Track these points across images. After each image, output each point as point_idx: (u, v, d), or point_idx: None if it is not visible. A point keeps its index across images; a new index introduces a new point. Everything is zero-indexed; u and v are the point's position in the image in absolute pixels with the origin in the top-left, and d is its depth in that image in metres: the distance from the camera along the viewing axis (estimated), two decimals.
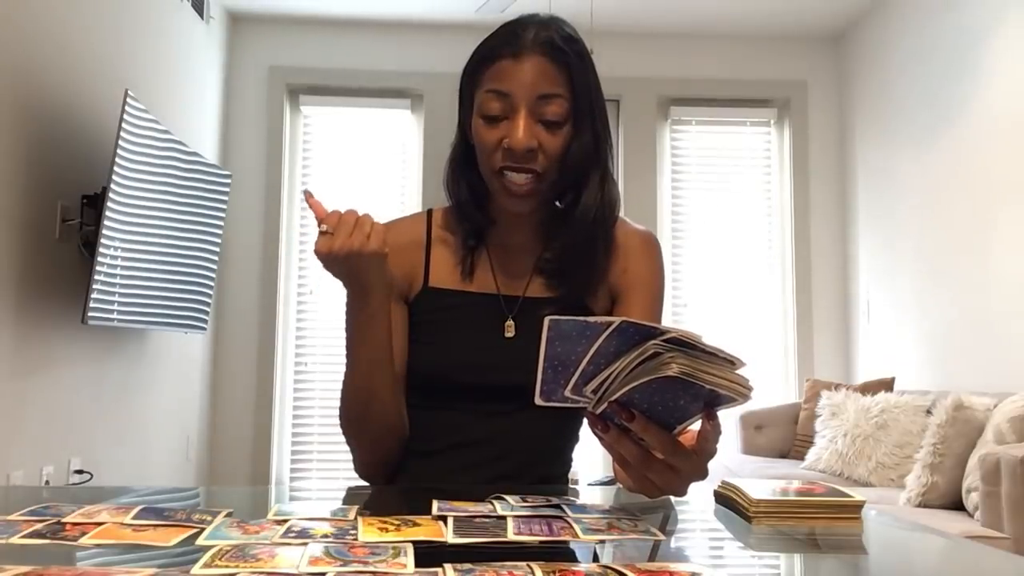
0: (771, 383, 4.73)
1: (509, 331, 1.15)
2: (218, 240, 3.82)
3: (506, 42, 1.08)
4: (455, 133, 1.19)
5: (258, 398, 4.62)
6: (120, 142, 2.91)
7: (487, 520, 0.77)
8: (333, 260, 1.00)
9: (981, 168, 3.58)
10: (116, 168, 2.89)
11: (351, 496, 1.09)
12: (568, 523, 0.77)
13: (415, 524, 0.75)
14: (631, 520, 0.79)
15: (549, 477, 1.17)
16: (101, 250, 2.86)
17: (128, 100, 2.95)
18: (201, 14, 4.32)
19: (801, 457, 3.83)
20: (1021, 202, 3.31)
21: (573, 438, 1.21)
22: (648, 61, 4.91)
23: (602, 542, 0.73)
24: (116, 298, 3.02)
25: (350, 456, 1.16)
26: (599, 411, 0.78)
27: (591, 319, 0.72)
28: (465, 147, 1.16)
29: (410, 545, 0.67)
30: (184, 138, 3.61)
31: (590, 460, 4.41)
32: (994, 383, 3.26)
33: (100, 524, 0.74)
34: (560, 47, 1.08)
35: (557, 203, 1.17)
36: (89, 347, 3.18)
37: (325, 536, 0.70)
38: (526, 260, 1.18)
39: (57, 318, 2.94)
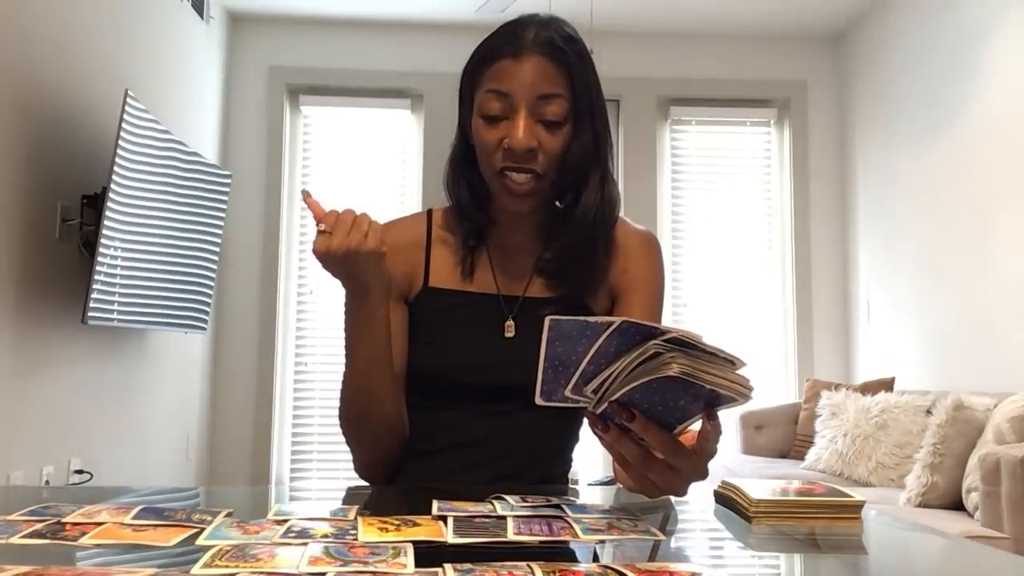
0: (771, 383, 4.73)
1: (509, 331, 1.15)
2: (218, 240, 3.82)
3: (506, 42, 1.08)
4: (455, 133, 1.19)
5: (258, 398, 4.62)
6: (120, 142, 2.91)
7: (487, 520, 0.77)
8: (331, 259, 1.00)
9: (981, 168, 3.58)
10: (116, 168, 2.89)
11: (351, 496, 1.09)
12: (568, 523, 0.77)
13: (415, 524, 0.75)
14: (631, 520, 0.79)
15: (549, 477, 1.17)
16: (101, 250, 2.86)
17: (128, 100, 2.95)
18: (201, 14, 4.32)
19: (801, 457, 3.83)
20: (1021, 202, 3.31)
21: (573, 438, 1.21)
22: (648, 61, 4.91)
23: (602, 542, 0.73)
24: (116, 298, 3.02)
25: (350, 456, 1.16)
26: (599, 411, 0.78)
27: (592, 319, 0.72)
28: (465, 147, 1.16)
29: (410, 545, 0.67)
30: (184, 138, 3.61)
31: (590, 460, 4.41)
32: (994, 383, 3.26)
33: (100, 524, 0.74)
34: (560, 47, 1.08)
35: (557, 203, 1.17)
36: (89, 347, 3.18)
37: (325, 536, 0.70)
38: (526, 260, 1.18)
39: (57, 318, 2.94)
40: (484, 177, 1.13)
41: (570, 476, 1.24)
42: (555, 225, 1.15)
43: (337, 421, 1.13)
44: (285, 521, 0.75)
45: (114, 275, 2.99)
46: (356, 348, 1.08)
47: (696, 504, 0.95)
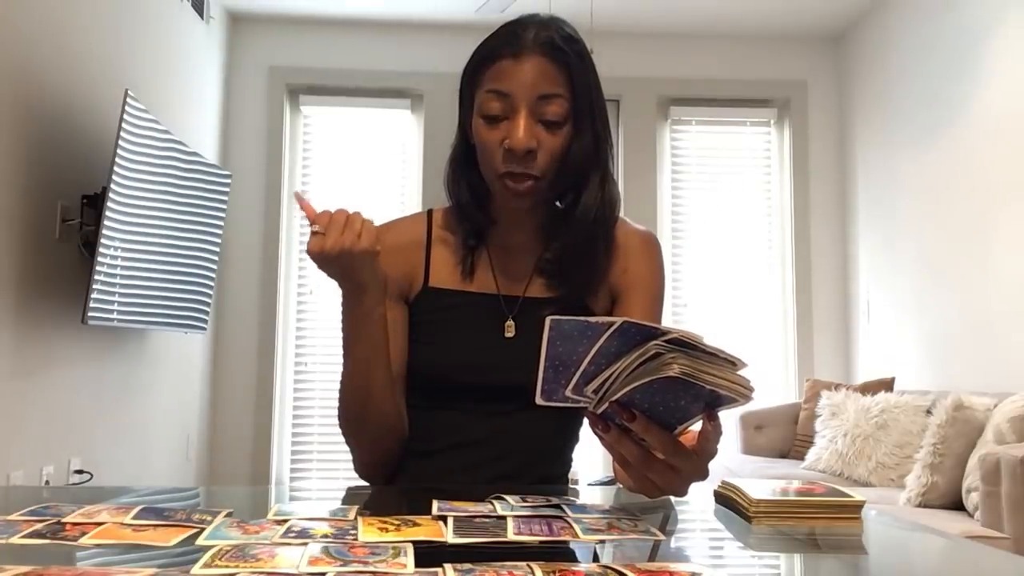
0: (771, 383, 4.73)
1: (509, 331, 1.15)
2: (218, 240, 3.82)
3: (506, 42, 1.08)
4: (455, 133, 1.19)
5: (258, 398, 4.63)
6: (120, 142, 2.91)
7: (487, 520, 0.77)
8: (325, 259, 1.00)
9: (981, 168, 3.58)
10: (116, 168, 2.89)
11: (351, 496, 1.09)
12: (568, 523, 0.77)
13: (415, 524, 0.75)
14: (631, 520, 0.79)
15: (549, 477, 1.17)
16: (101, 250, 2.86)
17: (128, 100, 2.95)
18: (201, 14, 4.32)
19: (801, 457, 3.83)
20: (1021, 202, 3.31)
21: (573, 438, 1.21)
22: (648, 61, 4.91)
23: (602, 542, 0.73)
24: (116, 298, 3.02)
25: (350, 456, 1.16)
26: (600, 411, 0.78)
27: (592, 319, 0.72)
28: (466, 147, 1.16)
29: (410, 545, 0.67)
30: (184, 138, 3.61)
31: (590, 460, 4.41)
32: (994, 383, 3.26)
33: (100, 524, 0.74)
34: (560, 47, 1.08)
35: (557, 203, 1.17)
36: (89, 347, 3.18)
37: (325, 536, 0.70)
38: (526, 260, 1.18)
39: (57, 318, 2.94)
40: (484, 177, 1.13)
41: (570, 476, 1.24)
42: (555, 225, 1.15)
43: (337, 421, 1.13)
44: (285, 521, 0.75)
45: (114, 275, 2.99)
46: (353, 348, 1.08)
47: (696, 504, 0.95)
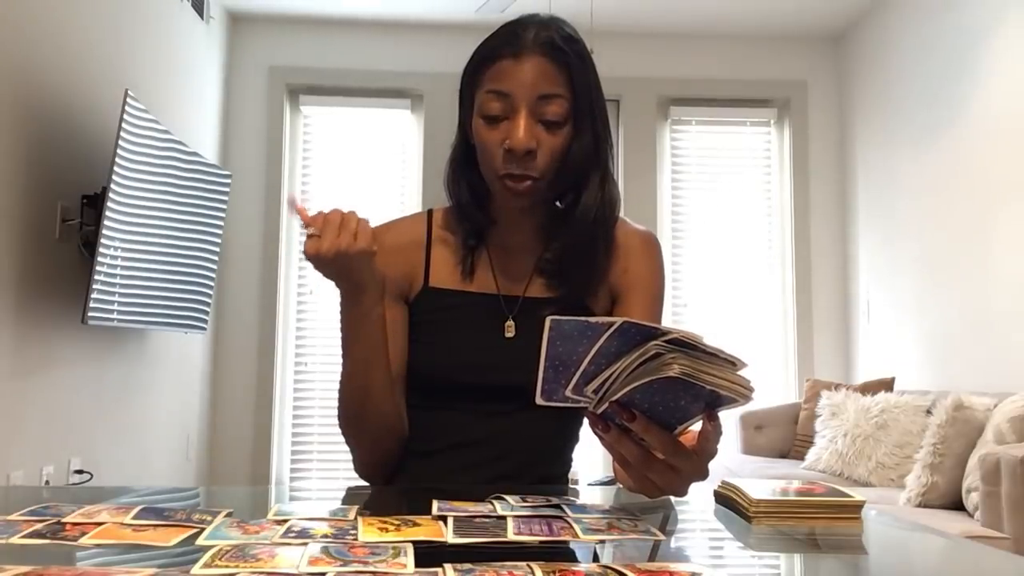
0: (771, 383, 4.73)
1: (509, 331, 1.15)
2: (218, 240, 3.82)
3: (506, 42, 1.08)
4: (455, 133, 1.19)
5: (258, 398, 4.63)
6: (120, 142, 2.91)
7: (487, 520, 0.77)
8: (322, 261, 0.99)
9: (981, 168, 3.58)
10: (116, 168, 2.89)
11: (351, 496, 1.09)
12: (568, 523, 0.77)
13: (415, 524, 0.75)
14: (631, 520, 0.79)
15: (549, 477, 1.17)
16: (101, 250, 2.86)
17: (128, 100, 2.95)
18: (201, 14, 4.32)
19: (801, 457, 3.83)
20: (1021, 202, 3.31)
21: (573, 438, 1.21)
22: (648, 61, 4.91)
23: (602, 542, 0.73)
24: (116, 298, 3.02)
25: (350, 456, 1.16)
26: (600, 411, 0.78)
27: (592, 319, 0.72)
28: (466, 147, 1.16)
29: (410, 545, 0.67)
30: (184, 138, 3.61)
31: (590, 460, 4.41)
32: (994, 383, 3.26)
33: (100, 524, 0.74)
34: (560, 47, 1.08)
35: (557, 203, 1.17)
36: (89, 347, 3.18)
37: (325, 536, 0.70)
38: (526, 260, 1.18)
39: (57, 318, 2.94)
40: (484, 177, 1.13)
41: (570, 476, 1.24)
42: (555, 225, 1.15)
43: (336, 421, 1.13)
44: (285, 521, 0.75)
45: (114, 275, 2.99)
46: (352, 348, 1.08)
47: (696, 504, 0.95)
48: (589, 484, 4.02)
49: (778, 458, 4.09)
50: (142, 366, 3.67)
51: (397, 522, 0.75)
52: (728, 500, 0.90)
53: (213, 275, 3.82)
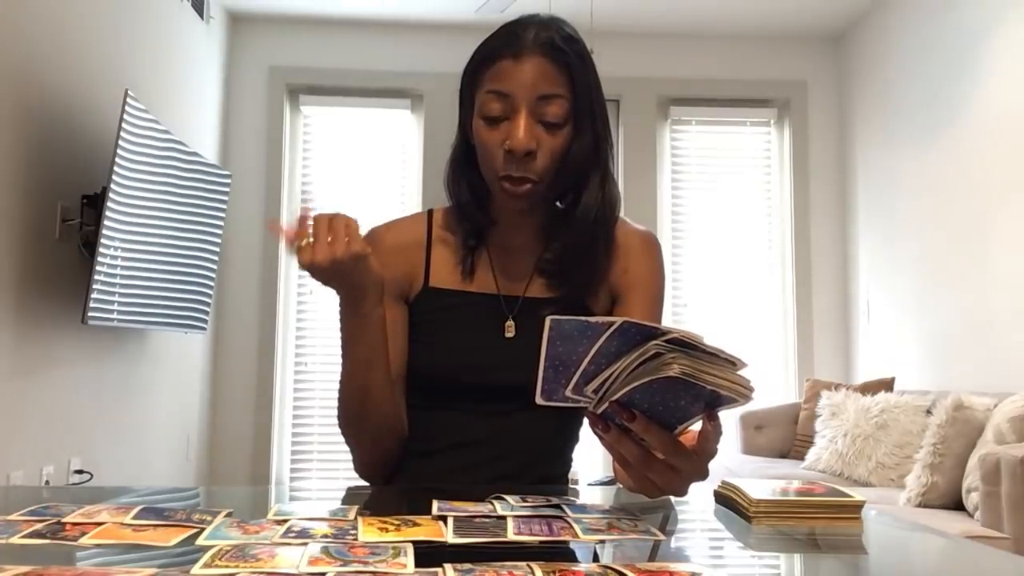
0: (771, 383, 4.73)
1: (509, 331, 1.15)
2: (218, 240, 3.82)
3: (506, 43, 1.08)
4: (455, 133, 1.19)
5: (258, 398, 4.63)
6: (120, 142, 2.91)
7: (487, 520, 0.77)
8: (318, 271, 0.98)
9: (981, 168, 3.58)
10: (116, 168, 2.89)
11: (351, 496, 1.09)
12: (568, 523, 0.77)
13: (415, 524, 0.75)
14: (631, 520, 0.79)
15: (549, 477, 1.17)
16: (101, 250, 2.86)
17: (128, 100, 2.95)
18: (201, 14, 4.32)
19: (801, 457, 3.83)
20: (1021, 202, 3.31)
21: (573, 438, 1.21)
22: (648, 61, 4.91)
23: (602, 542, 0.73)
24: (116, 298, 3.02)
25: (350, 456, 1.16)
26: (600, 411, 0.78)
27: (592, 319, 0.72)
28: (466, 147, 1.16)
29: (410, 545, 0.67)
30: (184, 138, 3.61)
31: (590, 460, 4.41)
32: (994, 383, 3.26)
33: (100, 524, 0.74)
34: (560, 47, 1.07)
35: (558, 203, 1.17)
36: (89, 347, 3.18)
37: (325, 536, 0.70)
38: (526, 260, 1.18)
39: (57, 318, 2.94)
40: (485, 178, 1.13)
41: (570, 476, 1.24)
42: (555, 225, 1.15)
43: (336, 421, 1.13)
44: (285, 521, 0.75)
45: (114, 275, 2.99)
46: (353, 349, 1.07)
47: (696, 504, 0.95)
48: (589, 484, 4.02)
49: (778, 458, 4.09)
50: (142, 366, 3.67)
51: (397, 522, 0.75)
52: (728, 500, 0.90)
53: (213, 275, 3.82)
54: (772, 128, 5.01)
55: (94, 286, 2.84)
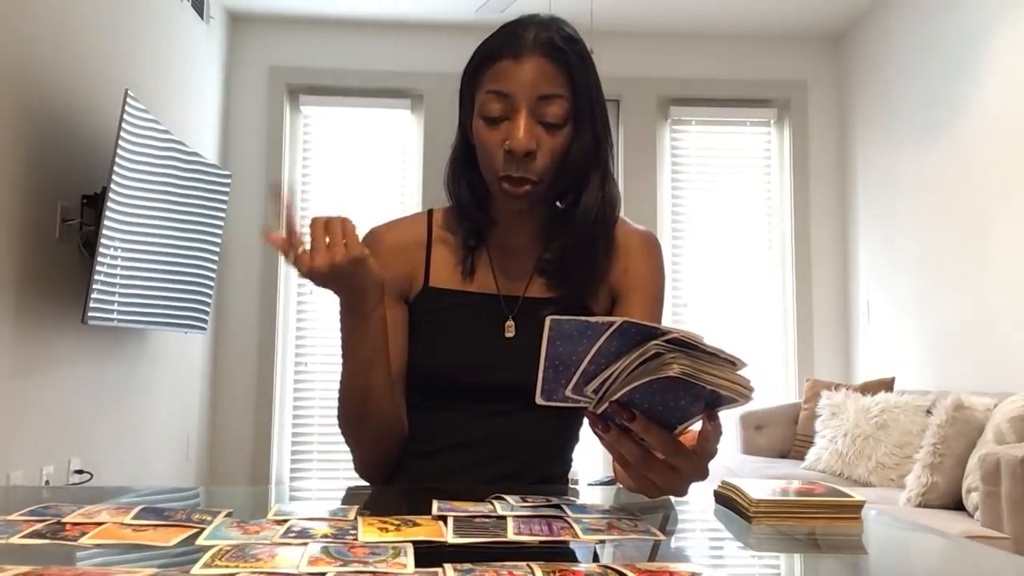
0: (771, 383, 4.73)
1: (509, 331, 1.15)
2: (218, 240, 3.82)
3: (506, 43, 1.08)
4: (456, 133, 1.19)
5: (258, 398, 4.63)
6: (120, 142, 2.91)
7: (487, 520, 0.77)
8: (318, 277, 0.98)
9: (981, 168, 3.58)
10: (116, 168, 2.90)
11: (351, 496, 1.09)
12: (568, 523, 0.77)
13: (415, 524, 0.75)
14: (631, 520, 0.79)
15: (549, 477, 1.17)
16: (101, 250, 2.86)
17: (128, 100, 2.95)
18: (201, 14, 4.32)
19: (801, 457, 3.83)
20: (1021, 202, 3.31)
21: (573, 438, 1.21)
22: (648, 61, 4.91)
23: (602, 542, 0.73)
24: (116, 298, 3.02)
25: (350, 456, 1.16)
26: (600, 411, 0.78)
27: (592, 319, 0.72)
28: (466, 147, 1.16)
29: (410, 545, 0.67)
30: (184, 138, 3.61)
31: (590, 460, 4.41)
32: (994, 383, 3.26)
33: (100, 524, 0.74)
34: (560, 47, 1.07)
35: (558, 203, 1.17)
36: (89, 347, 3.18)
37: (325, 536, 0.70)
38: (526, 260, 1.18)
39: (57, 318, 2.94)
40: (485, 178, 1.13)
41: (570, 476, 1.24)
42: (555, 225, 1.15)
43: (336, 421, 1.13)
44: (285, 521, 0.75)
45: (114, 275, 2.99)
46: (353, 350, 1.07)
47: (696, 504, 0.95)
48: (589, 484, 4.02)
49: (778, 458, 4.09)
50: (142, 366, 3.67)
51: (397, 522, 0.75)
52: (728, 500, 0.90)
53: (213, 275, 3.82)
54: (772, 128, 5.01)
55: (94, 286, 2.84)
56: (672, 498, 0.90)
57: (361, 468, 1.17)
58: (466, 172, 1.17)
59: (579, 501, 0.88)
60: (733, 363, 0.73)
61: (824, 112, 4.95)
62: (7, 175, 2.67)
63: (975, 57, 3.63)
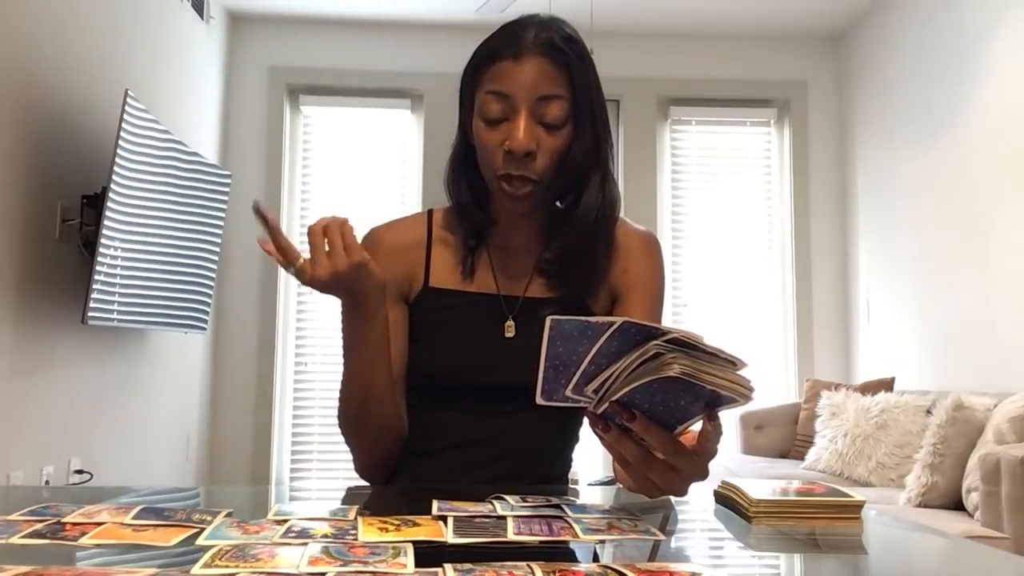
0: (771, 383, 4.73)
1: (509, 331, 1.15)
2: (218, 240, 3.82)
3: (506, 43, 1.08)
4: (456, 133, 1.19)
5: (258, 398, 4.63)
6: (120, 142, 2.91)
7: (487, 520, 0.77)
8: (321, 285, 0.99)
9: (981, 168, 3.58)
10: (116, 168, 2.89)
11: (351, 496, 1.09)
12: (568, 523, 0.77)
13: (415, 524, 0.75)
14: (631, 520, 0.79)
15: (549, 477, 1.17)
16: (101, 250, 2.86)
17: (128, 100, 2.95)
18: (201, 14, 4.32)
19: (801, 457, 3.83)
20: (1021, 202, 3.31)
21: (573, 438, 1.21)
22: (648, 61, 4.91)
23: (602, 542, 0.73)
24: (116, 298, 3.02)
25: (350, 456, 1.16)
26: (600, 411, 0.78)
27: (593, 319, 0.72)
28: (466, 147, 1.16)
29: (410, 545, 0.67)
30: (184, 138, 3.61)
31: (590, 460, 4.41)
32: (994, 383, 3.26)
33: (100, 524, 0.74)
34: (560, 48, 1.07)
35: (558, 204, 1.17)
36: (89, 347, 3.18)
37: (325, 536, 0.70)
38: (526, 260, 1.18)
39: (57, 318, 2.94)
40: (484, 178, 1.13)
41: (570, 476, 1.24)
42: (555, 225, 1.15)
43: (336, 421, 1.13)
44: (285, 521, 0.75)
45: (114, 275, 2.99)
46: (355, 350, 1.07)
47: (696, 504, 0.95)
48: (589, 484, 4.02)
49: (778, 458, 4.09)
50: (142, 366, 3.67)
51: (397, 522, 0.75)
52: (728, 500, 0.90)
53: (213, 275, 3.82)
54: (772, 128, 5.02)
55: (94, 286, 2.84)
56: (672, 498, 0.90)
57: (361, 468, 1.17)
58: (466, 172, 1.16)
59: (579, 501, 0.88)
60: (733, 363, 0.73)
61: (824, 112, 4.95)
62: (7, 175, 2.67)
63: (975, 57, 3.63)
